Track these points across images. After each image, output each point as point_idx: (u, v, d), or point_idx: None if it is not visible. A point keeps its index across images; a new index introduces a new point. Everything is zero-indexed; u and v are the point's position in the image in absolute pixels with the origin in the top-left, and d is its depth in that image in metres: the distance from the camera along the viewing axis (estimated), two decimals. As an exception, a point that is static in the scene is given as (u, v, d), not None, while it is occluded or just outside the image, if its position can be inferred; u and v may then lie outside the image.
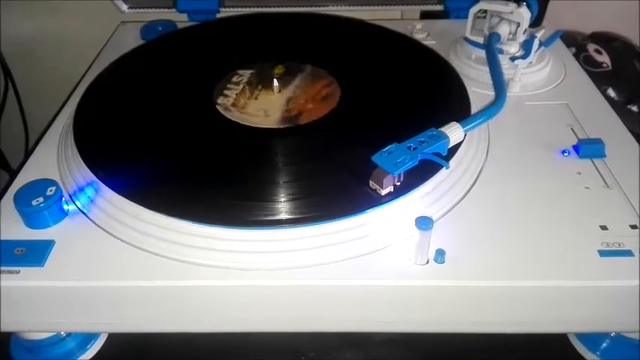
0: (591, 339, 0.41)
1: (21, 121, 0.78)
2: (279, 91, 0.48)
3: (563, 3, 0.67)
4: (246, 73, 0.51)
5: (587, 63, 0.71)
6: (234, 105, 0.46)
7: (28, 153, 0.76)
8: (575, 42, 0.73)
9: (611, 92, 0.71)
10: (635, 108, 0.71)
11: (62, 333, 0.40)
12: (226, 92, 0.48)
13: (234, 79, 0.50)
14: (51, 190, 0.37)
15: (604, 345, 0.40)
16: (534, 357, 0.41)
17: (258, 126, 0.44)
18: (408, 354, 0.42)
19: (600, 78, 0.69)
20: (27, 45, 0.77)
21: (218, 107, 0.46)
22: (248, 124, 0.44)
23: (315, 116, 0.45)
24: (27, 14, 0.75)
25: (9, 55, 0.75)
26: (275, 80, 0.48)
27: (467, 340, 0.40)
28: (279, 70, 0.51)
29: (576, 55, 0.70)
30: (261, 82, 0.49)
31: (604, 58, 0.72)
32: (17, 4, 0.74)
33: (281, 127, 0.44)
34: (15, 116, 0.77)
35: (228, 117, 0.45)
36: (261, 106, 0.47)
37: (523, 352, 0.41)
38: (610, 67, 0.71)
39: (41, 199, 0.37)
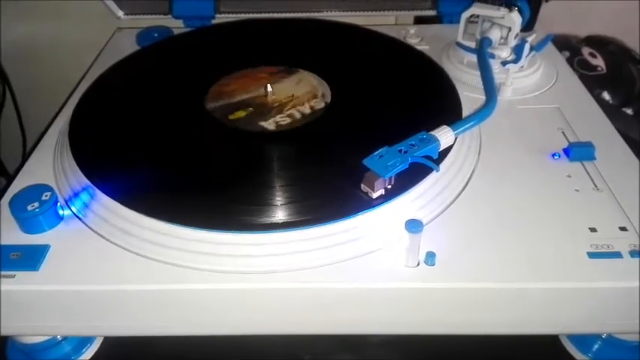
0: (582, 340, 0.41)
1: (17, 125, 0.79)
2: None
3: (558, 6, 0.67)
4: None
5: (582, 66, 0.71)
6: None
7: (24, 157, 0.77)
8: (570, 45, 0.73)
9: (605, 95, 0.71)
10: (629, 111, 0.71)
11: (58, 337, 0.41)
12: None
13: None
14: (46, 196, 0.38)
15: (595, 346, 0.40)
16: (525, 358, 0.41)
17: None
18: (402, 355, 0.42)
19: (595, 81, 0.70)
20: (23, 49, 0.78)
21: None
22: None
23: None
24: (24, 19, 0.76)
25: (6, 58, 0.75)
26: (269, 85, 0.49)
27: (459, 341, 0.40)
28: (241, 113, 0.48)
29: (571, 59, 0.70)
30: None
31: (599, 62, 0.72)
32: (14, 8, 0.74)
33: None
34: (12, 120, 0.78)
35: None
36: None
37: (514, 354, 0.41)
38: (605, 71, 0.72)
39: (37, 204, 0.37)
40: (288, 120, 0.45)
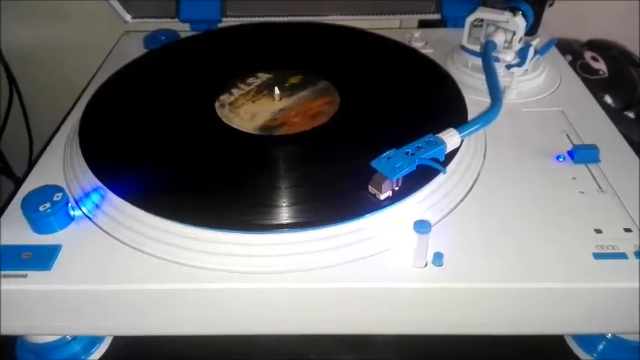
0: (588, 340, 0.41)
1: (24, 127, 0.79)
2: (280, 99, 0.49)
3: (561, 11, 0.68)
4: (263, 77, 0.52)
5: (584, 70, 0.72)
6: (231, 104, 0.47)
7: (31, 159, 0.78)
8: (572, 49, 0.74)
9: (607, 99, 0.71)
10: (631, 114, 0.72)
11: (68, 336, 0.41)
12: (234, 90, 0.50)
13: (250, 79, 0.51)
14: (57, 196, 0.38)
15: (600, 347, 0.41)
16: (531, 358, 0.42)
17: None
18: (407, 356, 0.42)
19: (597, 85, 0.70)
20: (29, 51, 0.78)
21: (216, 104, 0.47)
22: (231, 125, 0.46)
23: (293, 130, 0.45)
24: (30, 21, 0.76)
25: (13, 61, 0.76)
26: (276, 88, 0.49)
27: (464, 341, 0.41)
28: (294, 79, 0.51)
29: (573, 63, 0.71)
30: (271, 87, 0.50)
31: (600, 66, 0.73)
32: (20, 10, 0.75)
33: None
34: (18, 122, 0.78)
35: (219, 115, 0.47)
36: (253, 109, 0.48)
37: (520, 354, 0.41)
38: (606, 75, 0.72)
39: (48, 205, 0.37)
40: (277, 126, 0.46)
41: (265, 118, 0.47)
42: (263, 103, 0.49)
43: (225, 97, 0.49)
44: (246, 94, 0.49)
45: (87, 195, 0.40)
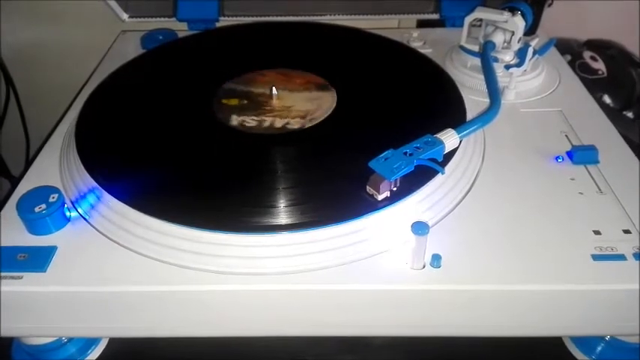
0: (586, 342, 0.41)
1: (21, 128, 0.79)
2: (279, 99, 0.49)
3: (560, 10, 0.68)
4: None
5: (583, 70, 0.72)
6: (241, 115, 0.47)
7: (28, 160, 0.77)
8: (571, 49, 0.74)
9: (606, 99, 0.71)
10: (630, 114, 0.72)
11: (63, 338, 0.41)
12: (234, 117, 0.48)
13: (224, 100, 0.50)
14: (53, 197, 0.38)
15: (599, 348, 0.41)
16: (530, 360, 0.42)
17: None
18: (406, 357, 0.42)
19: (596, 85, 0.70)
20: (26, 51, 0.78)
21: (230, 123, 0.46)
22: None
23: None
24: (28, 21, 0.76)
25: (9, 61, 0.75)
26: (274, 88, 0.49)
27: (462, 343, 0.40)
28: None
29: (572, 63, 0.70)
30: (258, 97, 0.50)
31: (599, 65, 0.73)
32: (18, 11, 0.75)
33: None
34: (15, 123, 0.78)
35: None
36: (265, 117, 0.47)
37: (518, 356, 0.41)
38: (605, 74, 0.72)
39: (44, 206, 0.37)
40: (254, 124, 0.46)
41: (288, 116, 0.47)
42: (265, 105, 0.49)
43: (237, 122, 0.46)
44: (249, 102, 0.49)
45: (83, 196, 0.40)
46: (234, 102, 0.49)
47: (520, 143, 0.45)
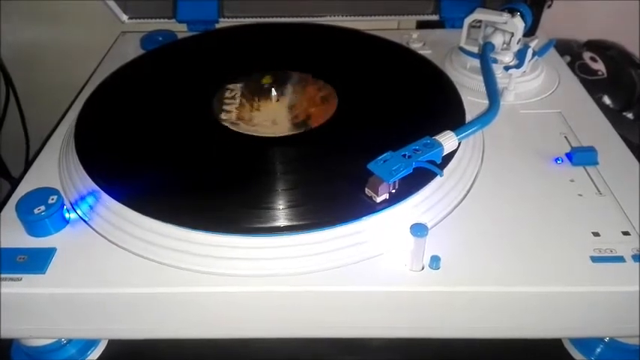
0: (585, 344, 0.41)
1: (21, 128, 0.79)
2: (277, 100, 0.49)
3: (559, 11, 0.68)
4: (237, 87, 0.51)
5: (583, 71, 0.72)
6: (240, 119, 0.47)
7: (28, 161, 0.77)
8: (571, 50, 0.74)
9: (606, 100, 0.71)
10: (630, 115, 0.72)
11: (63, 339, 0.41)
12: (226, 108, 0.48)
13: (227, 94, 0.50)
14: (52, 199, 0.38)
15: (598, 350, 0.40)
16: (529, 362, 0.42)
17: (258, 134, 0.45)
18: (404, 359, 0.42)
19: (596, 86, 0.70)
20: (26, 52, 0.78)
21: (225, 123, 0.46)
22: (252, 134, 0.45)
23: (321, 120, 0.46)
24: (28, 21, 0.76)
25: (9, 61, 0.75)
26: (272, 89, 0.49)
27: (461, 344, 0.40)
28: (267, 80, 0.51)
29: (572, 63, 0.70)
30: (255, 93, 0.50)
31: (599, 66, 0.73)
32: (18, 11, 0.75)
33: (279, 135, 0.45)
34: (15, 123, 0.78)
35: (236, 130, 0.46)
36: (266, 116, 0.47)
37: (517, 357, 0.41)
38: (605, 75, 0.72)
39: (43, 208, 0.37)
40: (253, 125, 0.46)
41: (288, 118, 0.47)
42: (267, 107, 0.49)
43: (227, 116, 0.47)
44: (242, 105, 0.49)
45: (82, 197, 0.40)
46: (234, 103, 0.49)
47: (519, 145, 0.45)
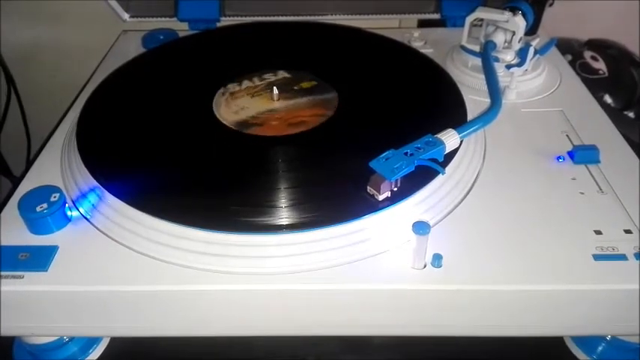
0: (587, 342, 0.41)
1: (22, 127, 0.79)
2: (277, 100, 0.49)
3: (561, 10, 0.68)
4: (280, 75, 0.52)
5: (584, 70, 0.72)
6: (232, 94, 0.47)
7: (29, 159, 0.77)
8: (572, 49, 0.74)
9: (607, 99, 0.71)
10: (631, 114, 0.72)
11: (65, 337, 0.41)
12: (245, 82, 0.51)
13: (267, 75, 0.52)
14: (54, 197, 0.38)
15: (600, 348, 0.41)
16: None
17: (260, 133, 0.45)
18: (406, 357, 0.42)
19: (597, 85, 0.70)
20: (27, 51, 0.78)
21: (220, 89, 0.47)
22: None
23: (265, 133, 0.45)
24: (28, 21, 0.76)
25: (10, 61, 0.75)
26: (275, 88, 0.49)
27: (463, 342, 0.40)
28: (307, 84, 0.51)
29: (573, 62, 0.70)
30: (280, 86, 0.50)
31: (600, 65, 0.73)
32: (18, 11, 0.75)
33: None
34: (16, 122, 0.78)
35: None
36: (245, 104, 0.48)
37: (519, 355, 0.41)
38: (606, 74, 0.72)
39: (45, 206, 0.37)
40: (255, 124, 0.46)
41: (248, 115, 0.47)
42: (260, 100, 0.49)
43: (232, 86, 0.49)
44: (253, 87, 0.49)
45: (84, 195, 0.40)
46: (236, 102, 0.49)
47: (521, 143, 0.45)
